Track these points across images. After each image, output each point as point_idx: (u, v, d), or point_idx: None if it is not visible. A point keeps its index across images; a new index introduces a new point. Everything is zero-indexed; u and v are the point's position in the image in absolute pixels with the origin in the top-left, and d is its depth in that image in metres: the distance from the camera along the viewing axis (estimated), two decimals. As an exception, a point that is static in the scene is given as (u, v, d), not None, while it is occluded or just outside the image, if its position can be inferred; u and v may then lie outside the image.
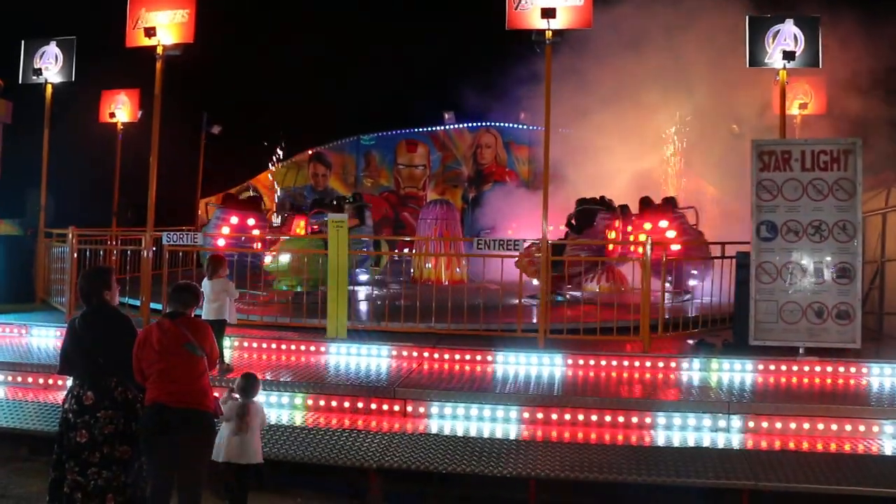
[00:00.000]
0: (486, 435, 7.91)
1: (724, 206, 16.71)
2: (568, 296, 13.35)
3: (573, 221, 14.66)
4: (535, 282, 12.66)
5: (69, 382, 5.96)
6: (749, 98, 15.18)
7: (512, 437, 7.89)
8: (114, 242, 14.77)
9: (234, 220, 15.40)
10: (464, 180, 25.28)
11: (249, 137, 24.07)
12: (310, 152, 24.90)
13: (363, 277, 15.73)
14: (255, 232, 15.36)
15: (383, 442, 7.75)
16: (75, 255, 12.31)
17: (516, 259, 11.83)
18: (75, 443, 5.63)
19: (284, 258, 13.63)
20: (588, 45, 17.02)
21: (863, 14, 15.44)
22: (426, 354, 10.09)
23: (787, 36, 11.32)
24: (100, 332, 5.73)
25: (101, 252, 13.83)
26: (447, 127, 25.55)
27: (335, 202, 16.66)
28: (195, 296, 6.02)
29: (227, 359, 9.52)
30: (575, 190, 16.27)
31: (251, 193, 22.79)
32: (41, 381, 9.47)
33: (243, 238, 14.81)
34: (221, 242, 14.08)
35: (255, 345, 10.51)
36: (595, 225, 14.24)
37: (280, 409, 8.62)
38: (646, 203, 15.12)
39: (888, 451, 7.52)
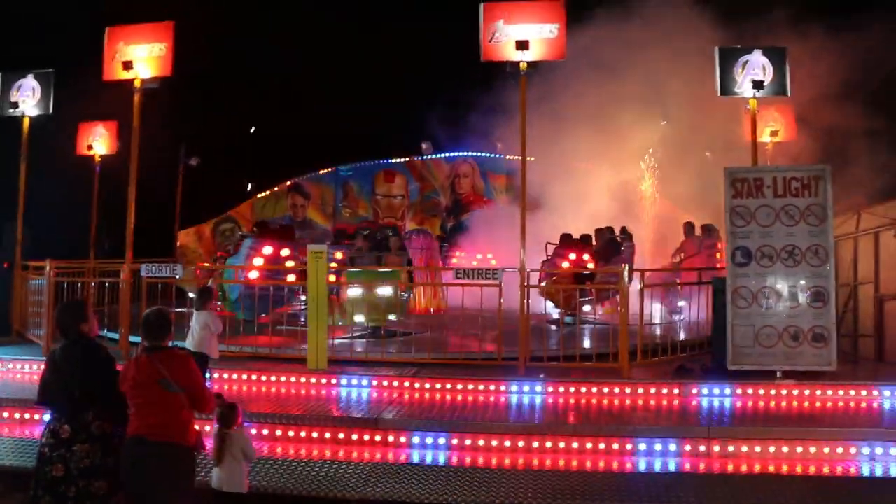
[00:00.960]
0: (467, 464, 7.86)
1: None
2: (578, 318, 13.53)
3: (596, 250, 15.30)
4: (552, 307, 13.46)
5: (46, 416, 5.87)
6: (722, 125, 15.39)
7: (493, 465, 7.85)
8: (91, 275, 14.63)
9: (268, 250, 14.27)
10: (442, 210, 25.31)
11: (227, 169, 24.02)
12: (288, 183, 24.85)
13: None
14: (290, 263, 14.18)
15: (365, 472, 7.69)
16: (53, 287, 12.18)
17: (539, 287, 12.33)
18: (51, 477, 5.54)
19: (355, 292, 12.93)
20: (562, 75, 17.20)
21: (829, 40, 15.74)
22: (407, 384, 10.06)
23: (755, 66, 11.54)
24: (77, 365, 5.67)
25: (79, 284, 13.69)
26: (425, 157, 25.62)
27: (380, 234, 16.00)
28: (168, 323, 5.86)
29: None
30: (558, 218, 16.37)
31: (230, 225, 22.68)
32: (17, 415, 9.31)
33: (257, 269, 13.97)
34: (255, 275, 13.34)
35: (235, 376, 10.43)
36: (622, 253, 14.95)
37: (261, 440, 8.53)
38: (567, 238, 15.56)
39: (866, 473, 7.55)
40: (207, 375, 9.71)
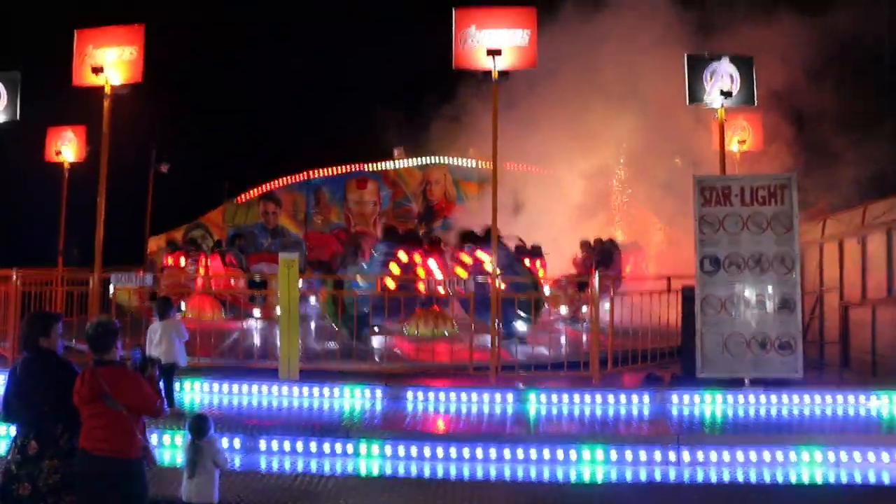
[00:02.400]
0: (439, 475, 7.84)
1: (672, 239, 16.96)
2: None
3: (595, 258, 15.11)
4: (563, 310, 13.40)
5: (13, 431, 5.76)
6: (692, 133, 15.53)
7: (465, 476, 7.83)
8: (59, 283, 14.42)
9: (404, 256, 13.07)
10: (414, 217, 25.27)
11: (198, 175, 23.83)
12: (260, 190, 24.68)
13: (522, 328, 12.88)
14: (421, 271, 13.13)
15: (337, 484, 7.63)
16: (18, 296, 11.98)
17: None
18: (17, 495, 5.43)
19: None
20: (533, 82, 17.27)
21: (795, 50, 15.95)
22: (379, 394, 10.01)
23: (723, 74, 11.64)
24: (37, 379, 5.57)
25: (47, 294, 13.49)
26: (397, 164, 25.57)
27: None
28: (110, 335, 5.71)
29: (178, 402, 9.34)
30: (530, 225, 16.39)
31: (201, 232, 22.49)
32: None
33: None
34: (390, 283, 12.53)
35: (206, 387, 10.34)
36: (615, 261, 14.86)
37: (232, 452, 8.43)
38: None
39: (832, 479, 7.64)
40: (177, 385, 9.62)
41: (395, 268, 12.70)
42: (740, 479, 7.69)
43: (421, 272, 12.96)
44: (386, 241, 13.42)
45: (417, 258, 13.21)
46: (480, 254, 12.94)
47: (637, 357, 11.47)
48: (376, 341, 12.19)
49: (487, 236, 12.70)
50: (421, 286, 12.78)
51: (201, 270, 16.42)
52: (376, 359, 11.47)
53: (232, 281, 15.82)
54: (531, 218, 16.76)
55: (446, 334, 12.48)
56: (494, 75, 10.92)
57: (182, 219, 23.32)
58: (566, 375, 10.67)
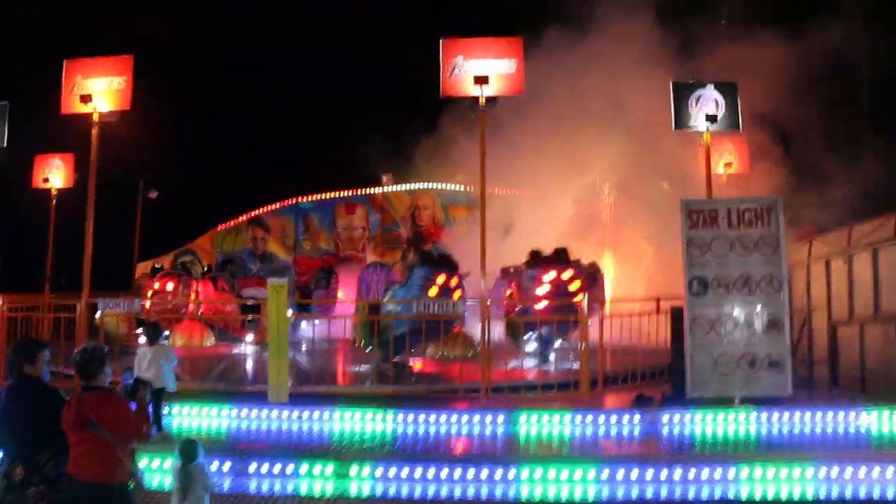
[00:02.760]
0: (430, 496, 7.82)
1: (660, 261, 17.04)
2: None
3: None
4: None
5: (-1, 458, 5.73)
6: (679, 156, 15.67)
7: (457, 496, 7.81)
8: (46, 309, 14.34)
9: (442, 279, 13.09)
10: (403, 242, 25.29)
11: (187, 201, 23.83)
12: (248, 216, 24.69)
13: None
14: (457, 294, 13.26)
15: (327, 506, 7.61)
16: (4, 322, 11.91)
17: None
18: (1, 523, 5.40)
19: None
20: (520, 107, 17.41)
21: (779, 71, 16.14)
22: (369, 417, 9.98)
23: (708, 100, 11.80)
24: (22, 406, 5.55)
25: (34, 320, 13.42)
26: (385, 189, 25.64)
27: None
28: (97, 361, 5.70)
29: (167, 427, 9.31)
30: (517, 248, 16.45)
31: (189, 258, 22.45)
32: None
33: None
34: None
35: (195, 412, 10.28)
36: (597, 282, 14.35)
37: (221, 476, 8.38)
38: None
39: (822, 495, 7.66)
40: (166, 409, 9.59)
41: (433, 292, 12.83)
42: (731, 496, 7.69)
43: (457, 296, 13.11)
44: (425, 266, 13.51)
45: (454, 282, 13.37)
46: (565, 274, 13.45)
47: (627, 377, 11.49)
48: (413, 363, 12.45)
49: (558, 255, 13.83)
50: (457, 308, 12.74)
51: (193, 296, 16.41)
52: (412, 380, 11.61)
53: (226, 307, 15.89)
54: (520, 240, 16.81)
55: (469, 356, 12.67)
56: (482, 102, 11.03)
57: (171, 245, 23.30)
58: (556, 396, 10.67)
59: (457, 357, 12.72)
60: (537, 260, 14.01)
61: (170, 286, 16.58)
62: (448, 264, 13.85)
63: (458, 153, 20.31)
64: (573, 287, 13.28)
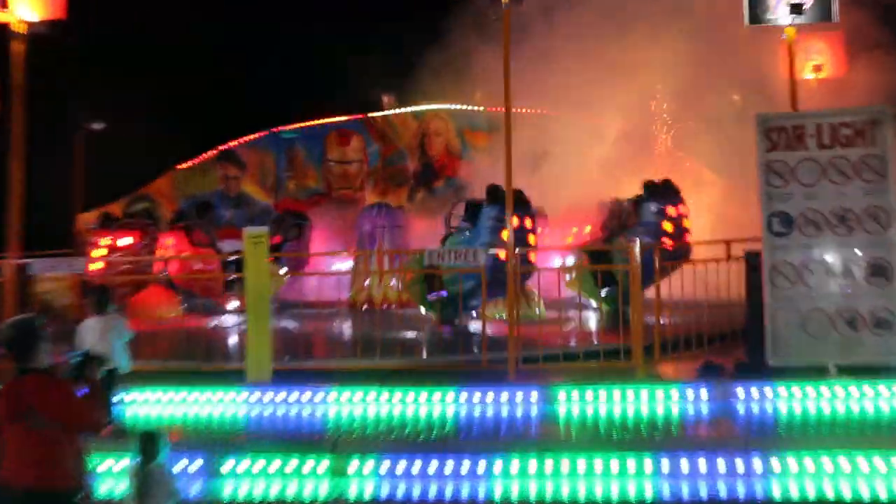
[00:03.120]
0: (448, 496, 7.80)
1: (729, 194, 16.87)
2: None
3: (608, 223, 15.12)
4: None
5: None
6: (753, 61, 15.37)
7: (481, 497, 7.78)
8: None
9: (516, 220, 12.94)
10: (409, 177, 25.20)
11: (141, 135, 23.70)
12: (217, 150, 24.59)
13: None
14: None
15: (321, 512, 7.62)
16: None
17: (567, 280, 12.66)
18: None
19: None
20: (551, 4, 17.14)
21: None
22: (370, 398, 9.98)
23: (792, -17, 11.48)
24: None
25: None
26: (387, 112, 25.45)
27: None
28: (35, 337, 5.61)
29: (120, 418, 9.29)
30: (553, 181, 16.34)
31: (145, 205, 22.44)
32: None
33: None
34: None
35: (157, 397, 10.29)
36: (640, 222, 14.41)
37: (190, 477, 8.39)
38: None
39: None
40: (120, 395, 9.56)
41: (507, 236, 12.62)
42: (829, 494, 7.60)
43: (532, 240, 13.37)
44: (494, 204, 13.52)
45: (528, 223, 13.55)
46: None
47: (691, 342, 11.41)
48: (476, 327, 12.74)
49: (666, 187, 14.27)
50: (532, 256, 13.30)
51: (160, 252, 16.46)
52: (474, 350, 11.61)
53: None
54: (555, 172, 16.68)
55: (538, 314, 13.13)
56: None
57: (121, 190, 23.24)
58: (603, 367, 10.63)
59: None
60: (653, 191, 14.32)
61: (126, 241, 16.55)
62: (520, 201, 13.66)
63: (475, 65, 20.06)
64: (687, 224, 13.89)
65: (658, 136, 19.12)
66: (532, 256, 13.54)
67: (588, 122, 18.87)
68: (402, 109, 25.23)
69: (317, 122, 25.37)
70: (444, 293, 13.15)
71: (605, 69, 18.13)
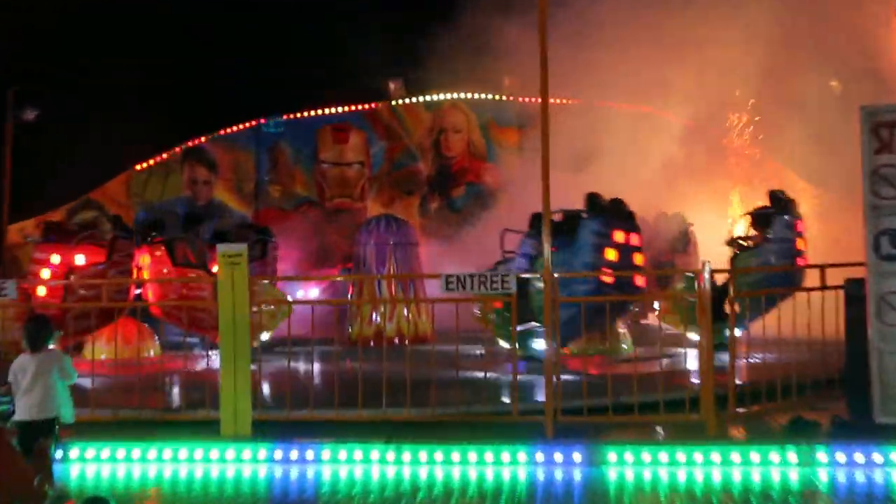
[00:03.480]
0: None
1: (824, 207, 16.85)
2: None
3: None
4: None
5: None
6: (856, 37, 15.38)
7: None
8: None
9: (620, 236, 14.40)
10: (422, 183, 25.24)
11: (88, 128, 23.79)
12: (183, 148, 24.68)
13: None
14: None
15: None
16: None
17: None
18: None
19: None
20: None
21: None
22: (375, 456, 10.00)
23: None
24: None
25: None
26: (394, 103, 25.52)
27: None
28: None
29: (60, 481, 9.29)
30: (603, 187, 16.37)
31: (94, 214, 22.50)
32: None
33: None
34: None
35: (106, 454, 10.29)
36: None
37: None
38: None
39: None
40: (59, 452, 9.55)
41: (611, 254, 13.54)
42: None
43: (639, 260, 14.16)
44: (597, 218, 14.24)
45: (634, 240, 14.28)
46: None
47: (775, 391, 11.34)
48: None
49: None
50: (640, 281, 13.79)
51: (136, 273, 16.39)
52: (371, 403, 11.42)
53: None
54: (603, 177, 16.66)
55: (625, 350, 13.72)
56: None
57: (62, 195, 23.31)
58: (664, 421, 10.64)
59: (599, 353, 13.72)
60: (781, 203, 15.01)
61: (79, 259, 16.45)
62: (623, 214, 14.43)
63: (503, 46, 20.12)
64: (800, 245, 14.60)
65: (732, 133, 19.11)
66: (639, 281, 13.98)
67: (646, 114, 18.87)
68: (413, 99, 25.30)
69: (307, 113, 25.49)
70: (534, 324, 13.31)
71: (664, 53, 18.18)
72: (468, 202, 23.36)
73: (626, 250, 13.96)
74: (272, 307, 14.53)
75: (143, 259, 16.36)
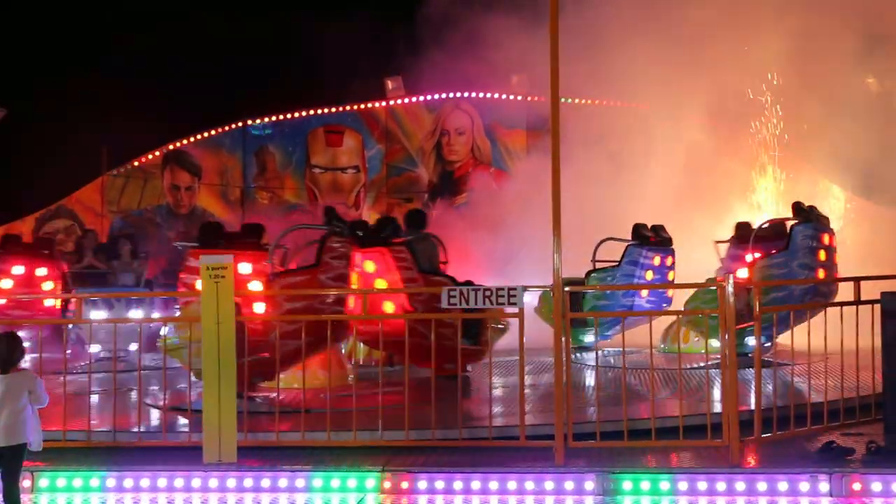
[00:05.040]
0: None
1: (858, 213, 16.89)
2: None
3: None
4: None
5: None
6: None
7: None
8: None
9: (657, 259, 17.21)
10: (423, 189, 25.24)
11: (55, 126, 23.81)
12: (163, 151, 24.69)
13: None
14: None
15: None
16: None
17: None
18: None
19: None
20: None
21: None
22: (371, 485, 9.98)
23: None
24: None
25: None
26: (392, 102, 25.53)
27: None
28: None
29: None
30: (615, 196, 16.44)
31: (65, 223, 22.56)
32: None
33: None
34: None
35: (79, 483, 10.25)
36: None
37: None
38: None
39: None
40: (27, 481, 9.57)
41: (822, 255, 15.81)
42: None
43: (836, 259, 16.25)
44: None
45: (670, 261, 16.49)
46: None
47: (804, 414, 11.32)
48: None
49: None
50: None
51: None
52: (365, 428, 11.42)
53: None
54: (621, 183, 16.72)
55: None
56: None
57: (31, 202, 23.32)
58: (684, 447, 10.63)
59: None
60: (804, 214, 16.33)
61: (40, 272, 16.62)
62: (661, 238, 16.57)
63: (509, 40, 20.14)
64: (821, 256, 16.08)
65: (758, 134, 19.16)
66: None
67: (665, 116, 18.91)
68: (413, 98, 25.30)
69: (298, 113, 25.48)
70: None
71: (686, 49, 18.23)
72: (472, 209, 23.34)
73: (830, 252, 16.04)
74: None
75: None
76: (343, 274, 13.34)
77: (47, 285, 17.31)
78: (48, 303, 17.20)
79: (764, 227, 16.53)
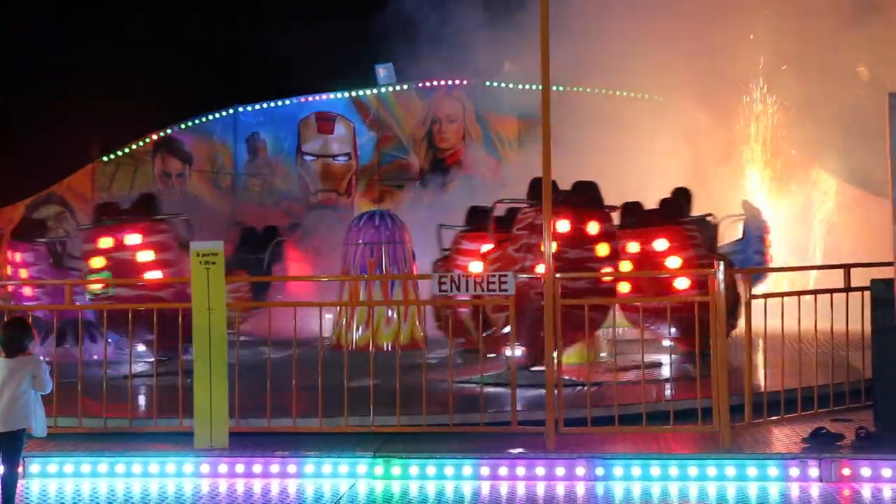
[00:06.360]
0: None
1: (849, 201, 16.95)
2: None
3: None
4: None
5: None
6: (885, 20, 15.44)
7: None
8: None
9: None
10: (414, 176, 25.23)
11: (50, 114, 23.78)
12: (154, 137, 24.65)
13: None
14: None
15: None
16: None
17: None
18: None
19: None
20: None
21: None
22: (362, 470, 10.02)
23: None
24: None
25: None
26: (383, 89, 25.50)
27: None
28: None
29: (24, 498, 9.33)
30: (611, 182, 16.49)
31: (56, 210, 22.53)
32: None
33: None
34: None
35: (71, 468, 10.31)
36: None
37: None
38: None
39: None
40: (21, 468, 9.57)
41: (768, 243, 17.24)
42: None
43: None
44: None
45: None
46: None
47: (795, 400, 11.38)
48: None
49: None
50: None
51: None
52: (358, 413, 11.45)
53: None
54: (612, 169, 16.73)
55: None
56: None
57: (22, 188, 23.30)
58: (673, 432, 10.68)
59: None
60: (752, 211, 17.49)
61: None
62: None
63: (501, 26, 20.12)
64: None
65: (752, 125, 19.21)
66: None
67: (659, 105, 18.93)
68: (405, 85, 25.27)
69: (288, 100, 25.43)
70: None
71: (677, 39, 18.22)
72: (463, 197, 23.35)
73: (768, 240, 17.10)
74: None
75: (659, 242, 14.64)
76: (530, 244, 13.30)
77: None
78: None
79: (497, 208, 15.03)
